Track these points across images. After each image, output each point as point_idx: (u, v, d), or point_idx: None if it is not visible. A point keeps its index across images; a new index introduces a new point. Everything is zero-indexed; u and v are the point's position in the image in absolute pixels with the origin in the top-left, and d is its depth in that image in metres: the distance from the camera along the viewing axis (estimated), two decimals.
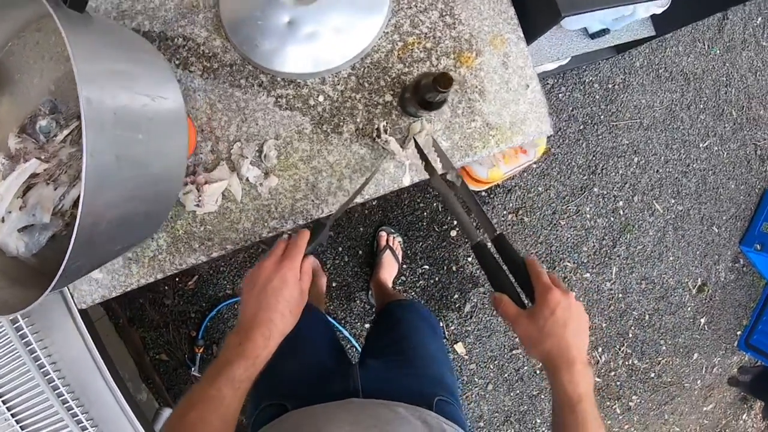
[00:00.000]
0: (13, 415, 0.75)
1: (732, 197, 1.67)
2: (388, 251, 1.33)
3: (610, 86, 1.50)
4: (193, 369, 1.32)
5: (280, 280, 0.44)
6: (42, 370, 0.72)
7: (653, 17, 1.07)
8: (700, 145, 1.61)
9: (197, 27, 0.63)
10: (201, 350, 1.33)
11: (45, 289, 0.39)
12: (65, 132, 0.46)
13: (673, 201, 1.60)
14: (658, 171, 1.57)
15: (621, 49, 1.26)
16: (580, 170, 1.51)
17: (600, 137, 1.52)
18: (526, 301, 0.48)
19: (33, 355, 0.72)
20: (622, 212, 1.55)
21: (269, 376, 0.45)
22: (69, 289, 0.68)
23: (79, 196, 0.41)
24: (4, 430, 0.75)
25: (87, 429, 0.72)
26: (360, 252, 1.40)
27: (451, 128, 0.64)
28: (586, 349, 0.44)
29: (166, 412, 0.95)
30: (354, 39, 0.60)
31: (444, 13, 0.64)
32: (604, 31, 0.99)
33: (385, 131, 0.61)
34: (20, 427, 0.74)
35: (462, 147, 0.64)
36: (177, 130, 0.48)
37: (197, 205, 0.59)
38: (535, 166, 1.47)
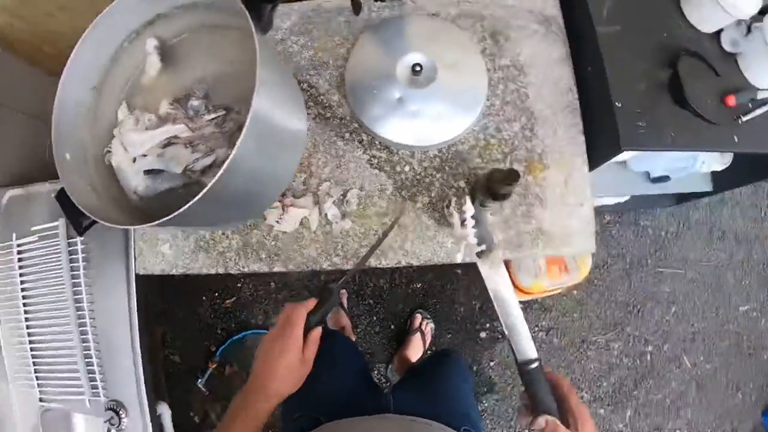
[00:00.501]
0: (27, 320, 0.86)
1: (763, 367, 1.67)
2: (418, 333, 1.46)
3: (662, 234, 1.63)
4: (199, 381, 1.41)
5: (280, 347, 0.51)
6: (76, 297, 0.83)
7: (713, 173, 1.19)
8: (740, 309, 1.66)
9: (322, 79, 0.81)
10: (214, 366, 1.43)
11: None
12: (212, 115, 0.61)
13: (702, 358, 1.63)
14: (693, 325, 1.64)
15: (680, 199, 1.38)
16: (618, 307, 1.61)
17: (643, 279, 1.63)
18: None
19: (74, 281, 0.83)
20: (649, 357, 1.60)
21: (303, 390, 0.54)
22: (135, 251, 0.81)
23: (209, 165, 0.59)
24: (11, 331, 0.86)
25: (94, 375, 0.82)
26: (392, 326, 1.55)
27: (508, 224, 0.76)
28: None
29: (161, 406, 1.02)
30: (448, 128, 0.75)
31: (525, 127, 0.79)
32: (664, 178, 1.12)
33: (454, 207, 0.73)
34: (28, 333, 0.85)
35: (513, 242, 0.76)
36: (296, 149, 0.65)
37: (277, 222, 0.73)
38: (575, 292, 1.58)
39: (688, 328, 1.62)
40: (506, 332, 0.51)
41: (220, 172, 0.47)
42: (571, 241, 0.77)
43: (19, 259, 0.88)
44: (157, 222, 0.49)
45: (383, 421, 0.61)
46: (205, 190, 0.47)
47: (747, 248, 1.68)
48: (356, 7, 0.82)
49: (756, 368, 1.66)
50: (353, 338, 1.46)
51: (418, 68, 0.73)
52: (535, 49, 0.82)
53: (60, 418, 0.89)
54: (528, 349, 0.50)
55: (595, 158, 0.80)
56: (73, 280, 0.85)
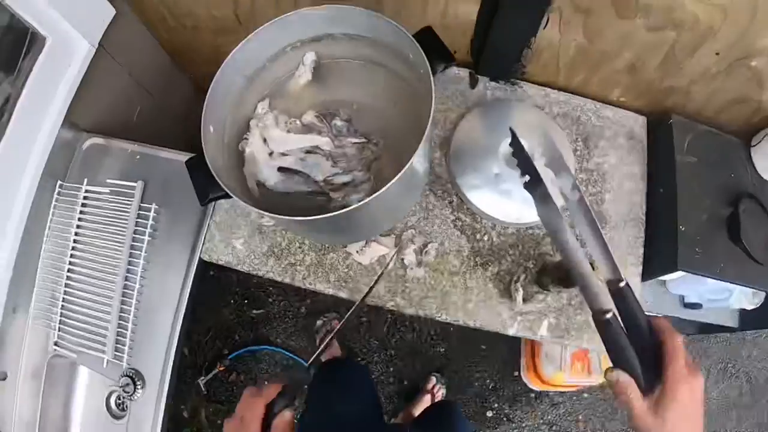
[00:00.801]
0: (70, 263, 0.90)
1: None
2: (428, 396, 1.52)
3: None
4: (202, 379, 1.42)
5: None
6: (131, 260, 0.87)
7: (741, 311, 1.29)
8: None
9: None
10: (222, 369, 1.46)
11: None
12: (355, 140, 0.68)
13: None
14: None
15: (704, 329, 1.48)
16: (621, 420, 1.68)
17: None
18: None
19: (134, 243, 0.88)
20: None
21: (319, 410, 0.57)
22: (206, 236, 0.86)
23: (346, 182, 0.66)
24: (50, 268, 0.90)
25: (124, 340, 0.85)
26: (405, 383, 1.61)
27: (561, 311, 0.84)
28: None
29: None
30: (531, 212, 0.83)
31: None
32: (697, 305, 1.22)
33: (520, 283, 0.81)
34: (67, 277, 0.89)
35: (561, 327, 0.83)
36: (419, 190, 0.79)
37: (357, 252, 0.79)
38: (586, 395, 1.66)
39: None
40: (577, 282, 0.50)
41: (367, 199, 0.53)
42: None
43: (83, 204, 0.92)
44: (287, 217, 0.54)
45: None
46: (349, 209, 0.53)
47: (756, 390, 1.78)
48: (473, 82, 0.93)
49: None
50: None
51: None
52: (618, 161, 0.92)
53: (65, 367, 0.91)
54: (600, 297, 0.48)
55: (649, 271, 0.90)
56: (133, 243, 0.89)
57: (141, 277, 0.87)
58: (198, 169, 0.59)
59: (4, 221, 0.87)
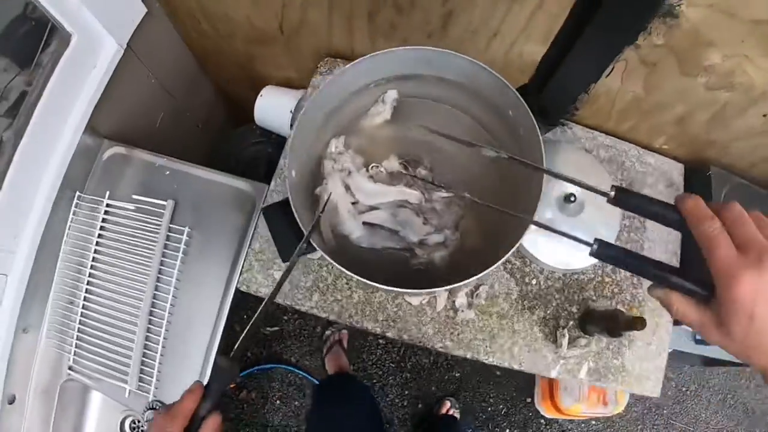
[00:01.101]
0: (89, 283, 0.84)
1: None
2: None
3: (683, 389, 1.82)
4: None
5: None
6: (160, 285, 0.83)
7: None
8: None
9: None
10: (233, 386, 1.40)
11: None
12: (445, 194, 0.66)
13: None
14: None
15: (708, 362, 1.55)
16: None
17: (655, 426, 1.79)
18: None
19: (162, 268, 0.83)
20: None
21: (322, 427, 0.54)
22: (244, 266, 0.82)
23: (439, 242, 0.63)
24: (65, 287, 0.84)
25: (151, 371, 0.80)
26: (419, 405, 1.62)
27: (599, 355, 0.86)
28: None
29: None
30: (579, 258, 0.85)
31: (634, 275, 0.90)
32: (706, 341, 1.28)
33: (567, 329, 0.82)
34: (85, 298, 0.83)
35: (599, 372, 0.85)
36: None
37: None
38: (595, 422, 1.71)
39: None
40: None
41: (474, 278, 0.51)
42: (643, 383, 0.88)
43: (104, 219, 0.86)
44: (394, 289, 0.51)
45: None
46: (459, 285, 0.51)
47: (752, 421, 1.89)
48: None
49: None
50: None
51: (572, 198, 0.83)
52: None
53: (78, 389, 0.86)
54: None
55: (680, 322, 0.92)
56: (162, 267, 0.83)
57: (171, 304, 0.82)
58: (280, 221, 0.55)
59: (18, 235, 0.80)
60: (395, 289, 0.49)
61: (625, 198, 0.42)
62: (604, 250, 0.42)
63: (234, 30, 0.98)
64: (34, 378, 0.82)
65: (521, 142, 0.58)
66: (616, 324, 0.77)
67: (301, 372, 1.54)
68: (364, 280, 0.49)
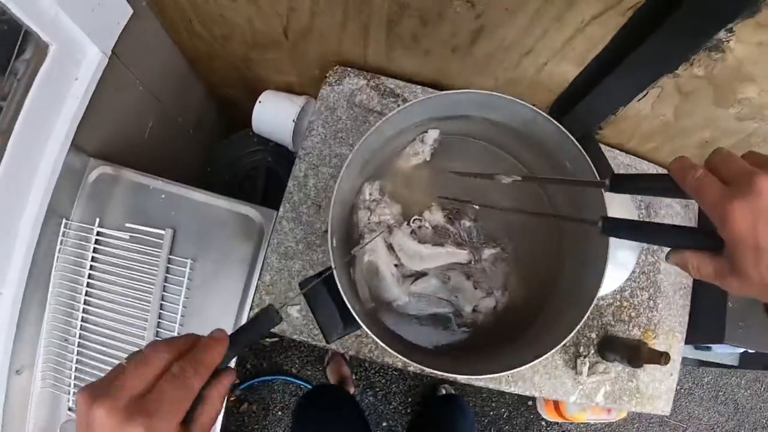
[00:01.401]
0: (83, 319, 0.78)
1: None
2: None
3: (677, 388, 1.86)
4: None
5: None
6: (162, 320, 0.78)
7: (742, 352, 1.42)
8: None
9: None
10: (233, 399, 1.36)
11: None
12: (492, 250, 0.60)
13: None
14: None
15: (703, 363, 1.62)
16: None
17: (651, 424, 1.87)
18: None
19: (164, 302, 0.78)
20: None
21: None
22: (254, 300, 0.78)
23: (490, 306, 0.58)
24: (56, 323, 0.77)
25: None
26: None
27: (617, 379, 0.87)
28: None
29: None
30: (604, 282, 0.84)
31: (651, 298, 0.91)
32: (707, 347, 1.33)
33: (588, 358, 0.82)
34: (80, 335, 0.78)
35: (615, 395, 0.86)
36: None
37: None
38: (593, 423, 1.75)
39: None
40: None
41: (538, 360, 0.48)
42: (655, 403, 0.90)
43: (95, 249, 0.79)
44: (439, 373, 0.48)
45: None
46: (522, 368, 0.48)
47: (741, 417, 2.00)
48: None
49: None
50: (352, 390, 1.47)
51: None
52: None
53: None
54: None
55: (693, 337, 0.95)
56: (163, 302, 0.78)
57: (177, 334, 0.77)
58: (322, 297, 0.49)
59: (3, 269, 0.72)
60: (455, 375, 0.46)
61: (619, 183, 0.43)
62: (611, 226, 0.44)
63: (231, 32, 0.90)
64: (31, 420, 0.76)
65: (573, 193, 0.55)
66: (638, 356, 0.77)
67: (302, 382, 1.52)
68: (420, 366, 0.46)
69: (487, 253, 0.61)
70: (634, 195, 0.93)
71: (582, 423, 1.74)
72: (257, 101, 1.02)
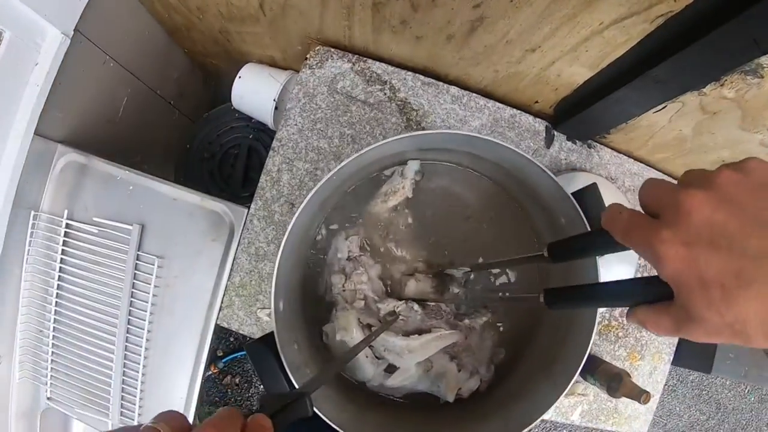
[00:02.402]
0: (56, 312, 0.80)
1: None
2: None
3: (663, 385, 1.87)
4: None
5: None
6: (133, 314, 0.78)
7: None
8: None
9: None
10: (215, 371, 1.42)
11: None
12: (483, 319, 0.54)
13: None
14: None
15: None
16: None
17: None
18: None
19: (133, 299, 0.78)
20: None
21: None
22: (224, 301, 0.79)
23: (472, 389, 0.53)
24: (31, 316, 0.79)
25: (134, 399, 0.79)
26: None
27: (597, 399, 0.86)
28: None
29: None
30: None
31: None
32: None
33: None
34: (54, 328, 0.80)
35: (593, 414, 0.87)
36: None
37: None
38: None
39: None
40: None
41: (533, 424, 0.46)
42: (632, 423, 0.90)
43: (65, 242, 0.79)
44: None
45: None
46: None
47: (722, 416, 2.02)
48: (549, 140, 0.83)
49: None
50: None
51: None
52: None
53: (59, 417, 0.86)
54: None
55: (680, 360, 0.92)
56: (133, 300, 0.79)
57: (146, 338, 0.79)
58: (267, 363, 0.46)
59: None
60: None
61: (558, 251, 0.40)
62: (554, 298, 0.39)
63: (205, 5, 0.82)
64: (12, 408, 0.81)
65: (560, 231, 0.50)
66: (618, 387, 0.75)
67: None
68: None
69: (478, 323, 0.55)
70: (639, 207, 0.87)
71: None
72: (237, 76, 0.96)
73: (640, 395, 0.72)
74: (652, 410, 0.90)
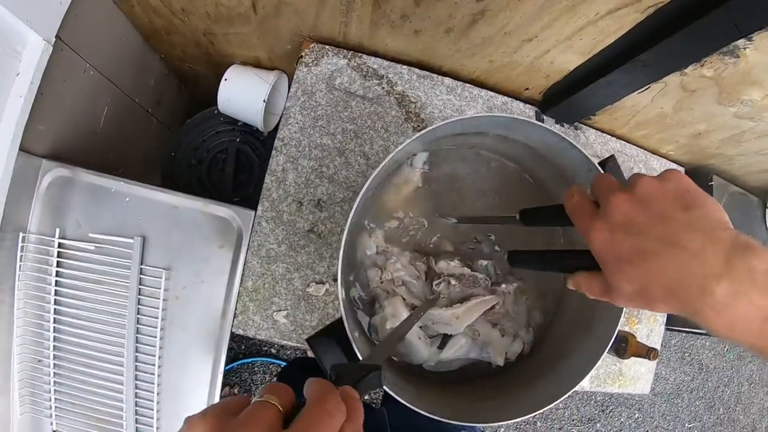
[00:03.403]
0: (55, 339, 0.76)
1: None
2: None
3: None
4: None
5: None
6: (141, 334, 0.77)
7: None
8: (686, 425, 2.20)
9: None
10: None
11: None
12: (510, 285, 0.58)
13: None
14: (647, 431, 2.11)
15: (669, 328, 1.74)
16: (595, 405, 2.02)
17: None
18: None
19: (140, 316, 0.76)
20: None
21: None
22: (237, 308, 0.78)
23: (517, 352, 0.58)
24: (27, 344, 0.76)
25: (151, 421, 0.77)
26: None
27: (603, 363, 0.94)
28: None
29: None
30: None
31: None
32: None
33: None
34: (54, 356, 0.76)
35: (600, 378, 0.94)
36: None
37: None
38: None
39: None
40: None
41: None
42: (635, 383, 0.99)
43: (58, 264, 0.76)
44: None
45: None
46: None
47: (705, 376, 2.20)
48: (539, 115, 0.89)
49: None
50: None
51: None
52: None
53: None
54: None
55: (673, 322, 1.02)
56: (140, 316, 0.77)
57: (159, 348, 0.77)
58: (333, 353, 0.47)
59: None
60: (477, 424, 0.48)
61: (529, 216, 0.47)
62: (516, 258, 0.48)
63: (192, 6, 0.81)
64: None
65: None
66: (626, 348, 0.83)
67: (282, 362, 1.57)
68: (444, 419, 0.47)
69: (510, 288, 0.59)
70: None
71: None
72: (222, 78, 0.95)
73: (648, 353, 0.80)
74: (653, 370, 0.99)
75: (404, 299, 0.55)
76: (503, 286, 0.58)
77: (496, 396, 0.55)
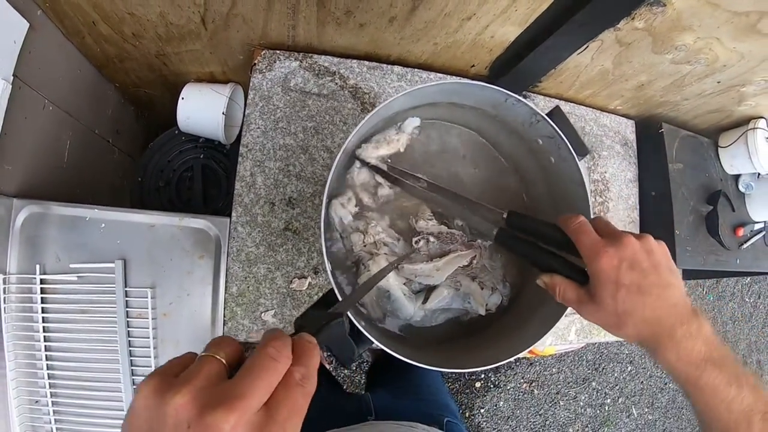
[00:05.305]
0: (50, 376, 0.78)
1: (692, 420, 2.32)
2: None
3: None
4: None
5: None
6: (135, 357, 0.80)
7: None
8: None
9: None
10: None
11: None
12: (487, 241, 0.65)
13: (647, 409, 2.24)
14: (642, 382, 2.24)
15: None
16: (587, 365, 2.13)
17: (610, 343, 2.13)
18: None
19: (131, 339, 0.80)
20: (607, 408, 2.14)
21: None
22: (225, 315, 0.83)
23: (497, 304, 0.65)
24: (22, 387, 0.78)
25: None
26: None
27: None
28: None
29: None
30: None
31: None
32: None
33: None
34: (51, 393, 0.79)
35: (585, 330, 1.01)
36: None
37: None
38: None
39: (638, 384, 2.21)
40: None
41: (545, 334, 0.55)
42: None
43: (43, 300, 0.79)
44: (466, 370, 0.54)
45: (367, 427, 0.67)
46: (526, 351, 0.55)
47: None
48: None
49: (687, 421, 2.34)
50: None
51: None
52: (616, 168, 1.07)
53: None
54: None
55: None
56: (131, 339, 0.80)
57: (154, 368, 0.80)
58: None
59: None
60: (471, 369, 0.53)
61: (515, 220, 0.56)
62: (504, 237, 0.57)
63: (143, 30, 0.86)
64: None
65: (548, 170, 0.62)
66: None
67: None
68: (452, 370, 0.53)
69: (485, 244, 0.65)
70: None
71: (550, 355, 1.97)
72: (180, 98, 1.00)
73: None
74: None
75: (387, 259, 0.61)
76: (479, 241, 0.65)
77: (480, 345, 0.62)
